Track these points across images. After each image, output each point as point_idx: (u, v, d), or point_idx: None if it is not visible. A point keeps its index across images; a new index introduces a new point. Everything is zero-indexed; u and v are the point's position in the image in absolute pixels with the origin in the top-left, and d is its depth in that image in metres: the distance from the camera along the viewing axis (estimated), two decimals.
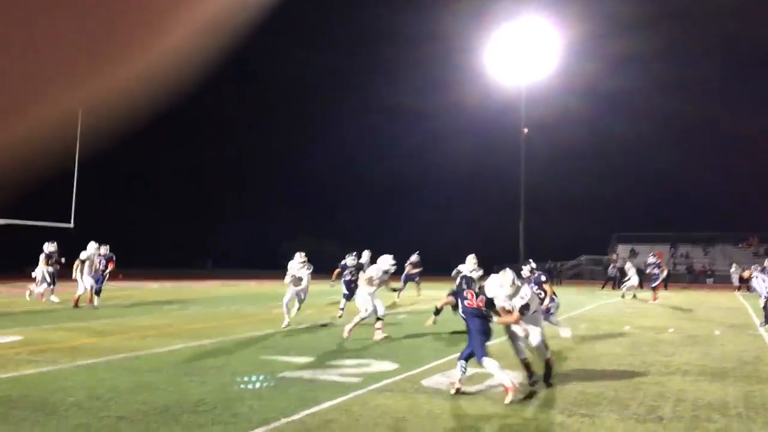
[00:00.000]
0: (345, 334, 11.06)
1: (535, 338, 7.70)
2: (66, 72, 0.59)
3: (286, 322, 12.73)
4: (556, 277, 43.56)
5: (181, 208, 62.37)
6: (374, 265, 12.09)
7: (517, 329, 7.60)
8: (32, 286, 18.45)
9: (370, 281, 11.63)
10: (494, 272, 7.97)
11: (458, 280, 8.09)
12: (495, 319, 7.46)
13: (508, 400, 6.58)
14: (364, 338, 11.58)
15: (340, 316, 14.92)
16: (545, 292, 10.82)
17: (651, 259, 23.81)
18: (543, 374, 7.61)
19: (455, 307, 7.79)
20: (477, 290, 7.67)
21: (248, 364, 8.81)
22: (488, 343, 7.29)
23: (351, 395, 6.83)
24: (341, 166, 72.76)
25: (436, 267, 24.15)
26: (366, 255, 17.53)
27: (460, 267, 13.01)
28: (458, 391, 6.95)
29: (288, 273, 13.20)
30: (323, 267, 13.68)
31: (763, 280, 15.27)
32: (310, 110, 72.26)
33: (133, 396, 6.61)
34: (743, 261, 36.39)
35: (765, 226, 51.15)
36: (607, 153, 65.12)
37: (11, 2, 0.53)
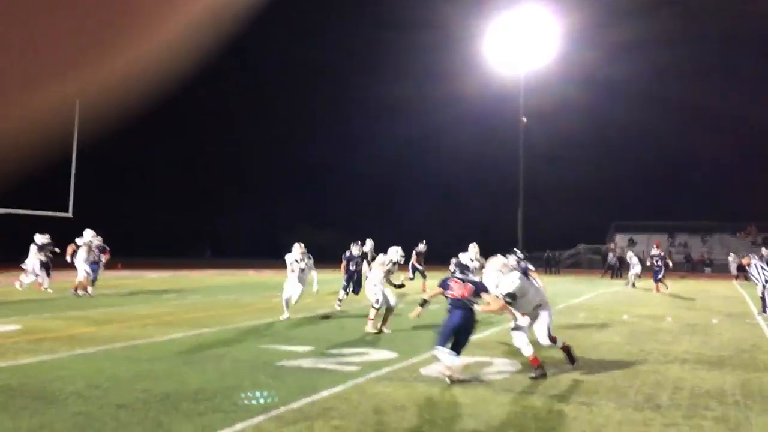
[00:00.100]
0: (368, 329, 10.99)
1: (541, 337, 7.66)
2: (63, 63, 0.59)
3: (285, 315, 12.67)
4: (554, 266, 43.66)
5: (180, 198, 62.30)
6: (382, 256, 12.00)
7: (522, 322, 7.59)
8: (22, 276, 18.46)
9: (377, 271, 11.59)
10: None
11: (452, 266, 8.11)
12: (478, 307, 7.48)
13: (446, 374, 6.96)
14: (362, 327, 11.61)
15: (339, 306, 14.95)
16: None
17: (655, 251, 23.94)
18: (567, 359, 7.93)
19: None
20: (467, 277, 7.69)
21: (247, 352, 8.84)
22: (472, 338, 7.45)
23: (350, 384, 6.86)
24: (338, 157, 72.65)
25: (435, 256, 24.17)
26: (369, 244, 17.48)
27: (461, 256, 13.02)
28: (452, 380, 6.97)
29: (289, 266, 12.95)
30: (323, 257, 13.63)
31: (762, 268, 15.32)
32: (307, 101, 72.07)
33: (133, 384, 6.63)
34: (741, 250, 36.43)
35: (763, 216, 51.23)
36: (605, 142, 65.12)
37: None
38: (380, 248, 15.20)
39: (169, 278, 27.60)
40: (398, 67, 68.58)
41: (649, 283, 24.86)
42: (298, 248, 13.08)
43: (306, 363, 8.03)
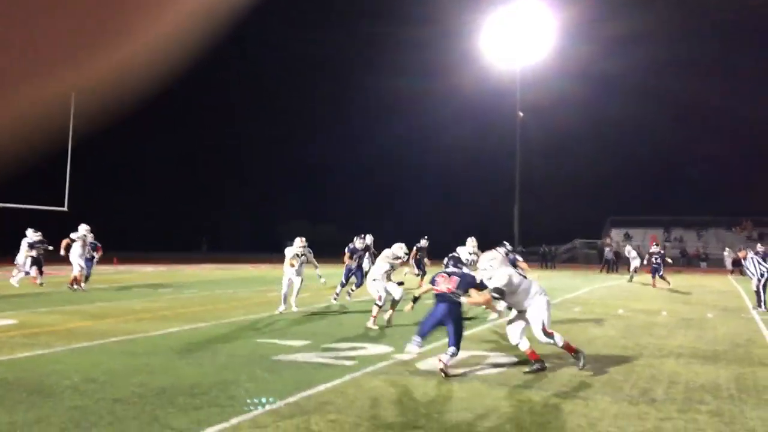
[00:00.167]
0: (369, 325, 10.95)
1: (536, 332, 7.49)
2: (58, 55, 0.59)
3: (282, 308, 12.63)
4: (550, 260, 43.73)
5: (176, 192, 62.20)
6: (387, 251, 11.91)
7: (500, 306, 7.59)
8: (14, 272, 18.43)
9: (379, 267, 11.56)
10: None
11: (445, 260, 8.21)
12: (464, 299, 7.55)
13: (440, 368, 7.01)
14: (359, 322, 11.62)
15: (335, 300, 14.96)
16: None
17: (654, 249, 24.12)
18: (573, 357, 7.70)
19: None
20: (453, 270, 7.83)
21: (244, 347, 8.84)
22: (469, 332, 7.44)
23: (346, 378, 6.87)
24: (335, 152, 72.59)
25: (433, 252, 24.17)
26: (369, 238, 17.39)
27: (459, 250, 13.02)
28: (446, 374, 7.00)
29: (289, 259, 12.74)
30: (321, 253, 13.56)
31: (758, 262, 15.38)
32: (305, 97, 71.97)
33: (129, 379, 6.63)
34: (737, 245, 36.53)
35: (758, 211, 51.37)
36: (601, 136, 65.21)
37: None
38: (379, 243, 15.21)
39: (165, 273, 27.58)
40: (394, 62, 68.46)
41: (647, 278, 24.98)
42: (299, 242, 12.93)
43: (302, 357, 8.04)
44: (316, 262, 13.33)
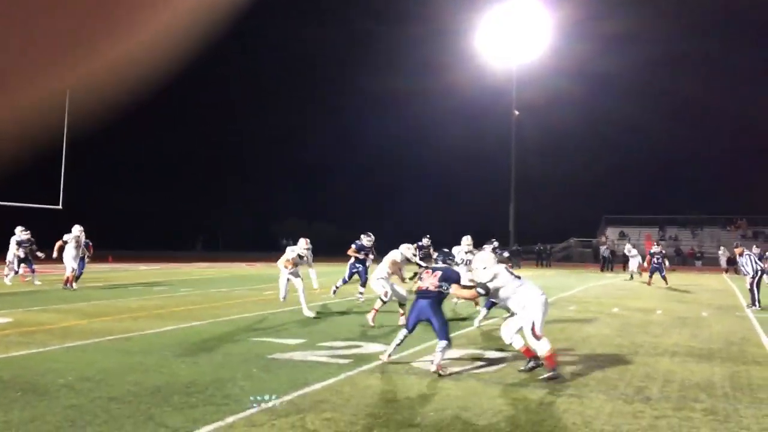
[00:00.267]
0: (368, 318, 10.90)
1: (527, 335, 7.26)
2: (54, 53, 0.59)
3: (282, 296, 12.20)
4: (545, 259, 43.79)
5: (171, 191, 62.09)
6: (394, 251, 11.75)
7: (514, 320, 7.49)
8: (6, 270, 18.38)
9: (384, 266, 11.42)
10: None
11: (435, 254, 8.30)
12: (451, 289, 7.67)
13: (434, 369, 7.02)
14: (354, 321, 11.62)
15: (333, 294, 14.95)
16: None
17: (655, 249, 24.25)
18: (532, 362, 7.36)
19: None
20: (437, 265, 7.98)
21: (239, 345, 8.84)
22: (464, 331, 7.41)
23: (342, 376, 6.87)
24: (331, 151, 72.57)
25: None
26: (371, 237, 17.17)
27: (454, 249, 13.02)
28: (441, 374, 7.02)
29: (287, 259, 12.14)
30: (315, 251, 13.41)
31: (755, 261, 15.43)
32: (300, 96, 71.90)
33: (124, 377, 6.62)
34: (731, 244, 36.67)
35: (753, 209, 51.56)
36: (597, 135, 65.39)
37: None
38: (377, 242, 15.17)
39: (160, 271, 27.54)
40: (391, 61, 68.54)
41: (643, 276, 25.12)
42: (303, 243, 12.36)
43: (298, 356, 8.04)
44: (312, 263, 13.05)
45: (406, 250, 11.67)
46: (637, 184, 67.54)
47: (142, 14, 0.58)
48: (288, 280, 12.17)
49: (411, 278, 11.47)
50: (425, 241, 21.08)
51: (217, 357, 7.91)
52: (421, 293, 7.68)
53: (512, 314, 7.63)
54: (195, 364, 7.45)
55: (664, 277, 23.17)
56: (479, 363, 7.86)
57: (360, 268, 15.41)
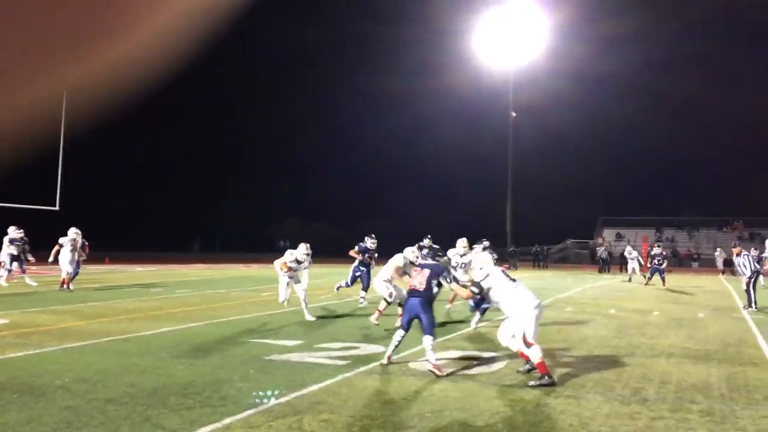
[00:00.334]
0: (372, 320, 10.77)
1: (518, 341, 7.22)
2: (50, 52, 0.59)
3: (282, 297, 12.05)
4: (542, 260, 43.81)
5: (168, 192, 62.02)
6: (398, 255, 11.62)
7: (511, 324, 7.44)
8: (1, 271, 18.33)
9: (389, 269, 11.34)
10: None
11: (424, 251, 8.39)
12: (444, 281, 7.94)
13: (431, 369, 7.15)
14: (352, 322, 11.61)
15: (336, 291, 14.91)
16: None
17: (656, 250, 24.35)
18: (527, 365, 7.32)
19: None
20: (425, 262, 8.30)
21: (236, 347, 8.82)
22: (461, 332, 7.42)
23: (339, 378, 6.87)
24: (328, 152, 72.55)
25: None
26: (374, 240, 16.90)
27: (450, 252, 13.00)
28: (438, 375, 7.07)
29: (285, 262, 11.90)
30: (316, 251, 13.29)
31: (750, 260, 15.41)
32: (297, 97, 71.88)
33: (121, 379, 6.61)
34: (728, 245, 36.75)
35: (749, 211, 51.67)
36: (594, 136, 65.48)
37: None
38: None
39: (157, 272, 27.50)
40: (389, 62, 68.58)
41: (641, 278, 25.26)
42: (303, 248, 12.19)
43: (295, 357, 8.03)
44: (308, 266, 12.87)
45: (410, 253, 11.56)
46: (634, 185, 67.73)
47: (141, 13, 0.58)
48: (288, 284, 12.02)
49: None
50: (426, 242, 21.00)
51: (214, 358, 7.90)
52: (412, 292, 7.84)
53: (507, 317, 7.62)
54: (192, 365, 7.44)
55: (663, 278, 23.25)
56: (476, 364, 7.87)
57: (363, 272, 14.93)
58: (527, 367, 7.29)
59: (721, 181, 63.07)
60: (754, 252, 17.01)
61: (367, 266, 14.96)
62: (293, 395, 6.03)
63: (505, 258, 36.47)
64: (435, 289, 7.82)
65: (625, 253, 28.37)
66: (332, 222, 62.34)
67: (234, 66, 66.39)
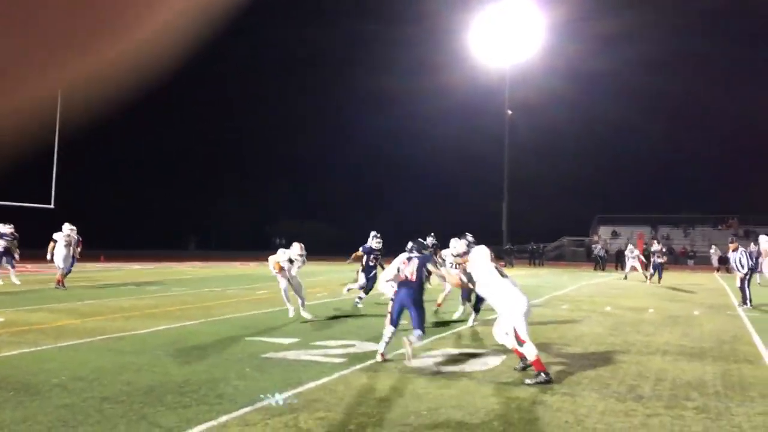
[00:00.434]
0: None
1: (511, 337, 7.23)
2: (45, 51, 0.59)
3: (291, 311, 11.65)
4: (538, 258, 43.88)
5: (164, 190, 61.88)
6: (402, 255, 11.42)
7: (503, 322, 7.44)
8: None
9: (394, 268, 11.23)
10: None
11: (409, 244, 8.56)
12: (432, 267, 8.24)
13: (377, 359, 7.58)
14: (348, 320, 11.61)
15: (348, 290, 14.35)
16: None
17: (656, 247, 24.40)
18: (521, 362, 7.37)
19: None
20: (413, 255, 8.39)
21: (232, 345, 8.82)
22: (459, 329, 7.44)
23: (335, 375, 6.87)
24: (325, 151, 72.50)
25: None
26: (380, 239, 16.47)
27: (444, 252, 12.98)
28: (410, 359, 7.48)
29: (279, 262, 11.53)
30: (312, 250, 13.07)
31: (746, 259, 15.40)
32: (294, 96, 71.80)
33: (117, 377, 6.60)
34: (723, 243, 36.86)
35: (745, 208, 51.80)
36: (590, 134, 65.50)
37: None
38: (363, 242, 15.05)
39: (153, 270, 27.46)
40: (386, 60, 68.46)
41: (640, 275, 25.32)
42: (297, 248, 11.70)
43: (291, 355, 8.03)
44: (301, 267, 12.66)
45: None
46: (630, 183, 67.77)
47: (139, 11, 0.58)
48: (285, 289, 11.69)
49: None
50: (429, 240, 20.82)
51: (211, 356, 7.89)
52: (402, 283, 8.02)
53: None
54: (188, 363, 7.43)
55: (660, 275, 23.30)
56: (472, 362, 7.88)
57: (369, 276, 13.81)
58: (523, 364, 7.30)
59: (717, 179, 63.22)
60: (754, 247, 17.02)
61: (373, 268, 13.86)
62: (289, 393, 6.03)
63: (501, 256, 36.55)
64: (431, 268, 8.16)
65: (627, 252, 28.14)
66: (331, 221, 62.39)
67: (232, 63, 66.22)
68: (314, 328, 10.53)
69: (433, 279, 10.80)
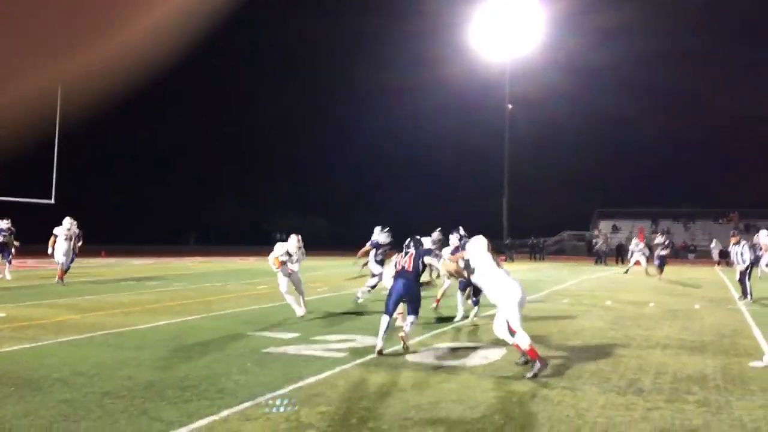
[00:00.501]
0: (399, 321, 10.38)
1: (503, 323, 7.27)
2: (45, 46, 0.58)
3: (299, 312, 11.11)
4: (538, 252, 43.88)
5: (164, 185, 61.88)
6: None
7: (500, 318, 7.44)
8: None
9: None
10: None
11: (407, 240, 8.70)
12: (430, 259, 8.44)
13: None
14: (349, 315, 11.62)
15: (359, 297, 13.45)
16: None
17: (659, 239, 24.35)
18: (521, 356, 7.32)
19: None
20: (409, 249, 8.61)
21: (233, 339, 8.83)
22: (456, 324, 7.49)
23: (336, 370, 6.88)
24: (323, 146, 72.42)
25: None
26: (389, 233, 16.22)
27: (444, 249, 12.98)
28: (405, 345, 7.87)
29: (277, 257, 11.16)
30: (307, 246, 12.95)
31: (748, 252, 15.37)
32: (296, 89, 71.68)
33: (118, 372, 6.61)
34: (723, 236, 36.85)
35: (745, 202, 51.79)
36: (590, 128, 65.42)
37: None
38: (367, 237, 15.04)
39: (153, 265, 27.47)
40: (385, 55, 68.39)
41: (642, 270, 25.30)
42: (295, 240, 11.33)
43: (292, 350, 8.04)
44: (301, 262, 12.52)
45: (427, 241, 11.49)
46: (630, 177, 67.74)
47: (137, 5, 0.58)
48: (287, 289, 11.37)
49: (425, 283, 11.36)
50: (435, 236, 20.67)
51: (211, 351, 7.90)
52: (399, 273, 8.18)
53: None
54: (189, 358, 7.44)
55: (662, 269, 23.27)
56: (473, 356, 7.89)
57: (376, 272, 13.25)
58: (524, 359, 7.30)
59: (717, 173, 63.23)
60: (756, 239, 16.99)
61: (381, 264, 13.34)
62: (290, 387, 6.04)
63: (501, 250, 36.56)
64: (430, 259, 8.36)
65: (632, 246, 27.72)
66: (331, 216, 62.38)
67: (231, 58, 66.14)
68: (315, 323, 10.54)
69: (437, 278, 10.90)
